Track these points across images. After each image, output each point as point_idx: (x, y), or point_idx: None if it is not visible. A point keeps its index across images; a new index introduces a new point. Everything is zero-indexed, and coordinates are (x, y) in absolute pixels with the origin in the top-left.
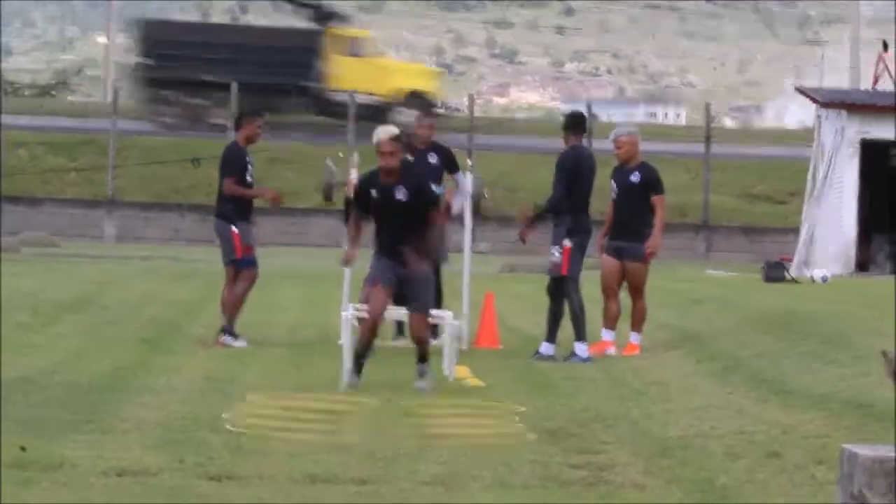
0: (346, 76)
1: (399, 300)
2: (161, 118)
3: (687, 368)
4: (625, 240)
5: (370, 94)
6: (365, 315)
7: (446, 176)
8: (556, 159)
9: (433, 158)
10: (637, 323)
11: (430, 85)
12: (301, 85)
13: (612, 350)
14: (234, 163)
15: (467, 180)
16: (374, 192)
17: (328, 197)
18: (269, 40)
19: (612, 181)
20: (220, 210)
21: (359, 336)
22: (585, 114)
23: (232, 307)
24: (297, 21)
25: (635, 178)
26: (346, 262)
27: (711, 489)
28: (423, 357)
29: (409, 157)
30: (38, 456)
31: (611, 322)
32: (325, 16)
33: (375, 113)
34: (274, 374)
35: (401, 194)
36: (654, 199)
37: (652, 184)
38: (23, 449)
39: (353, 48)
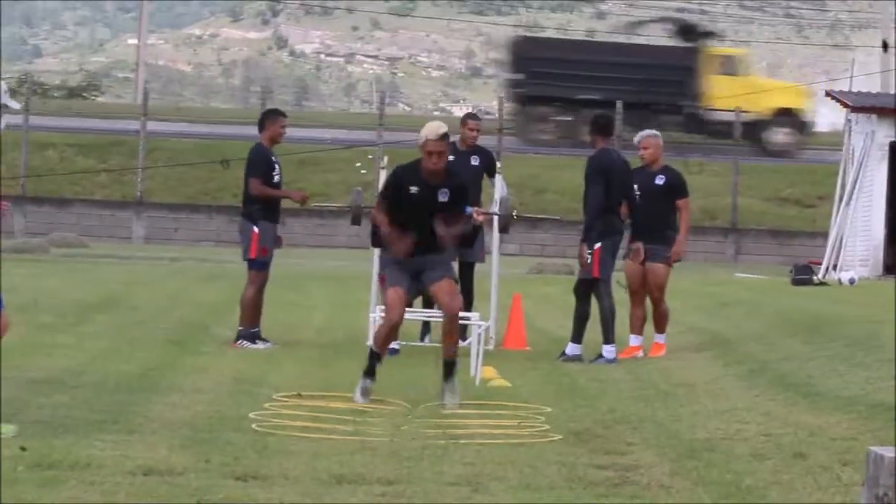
0: (721, 94)
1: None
2: (533, 134)
3: (714, 371)
4: (647, 242)
5: (742, 111)
6: (383, 318)
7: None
8: (584, 161)
9: (475, 161)
10: (660, 324)
11: (801, 103)
12: (678, 104)
13: (639, 354)
14: (259, 163)
15: (502, 183)
16: (413, 189)
17: (356, 221)
18: (648, 58)
19: (635, 184)
20: (245, 210)
21: (374, 339)
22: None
23: (247, 312)
24: (669, 40)
25: (660, 180)
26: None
27: (737, 491)
28: (450, 364)
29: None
30: (65, 455)
31: (637, 327)
32: (699, 34)
33: (748, 131)
34: (301, 374)
35: (444, 196)
36: (679, 202)
37: (676, 187)
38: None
39: (727, 66)
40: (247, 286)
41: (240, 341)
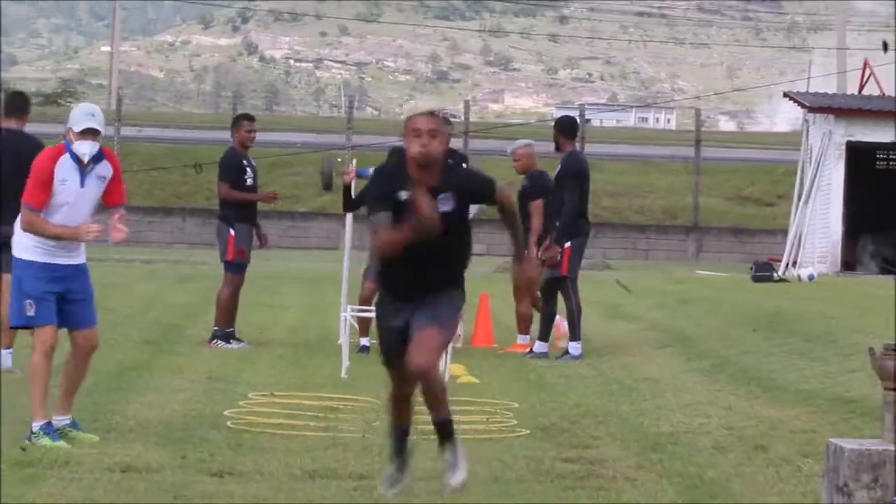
0: None
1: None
2: None
3: (677, 366)
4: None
5: None
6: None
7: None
8: (555, 164)
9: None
10: (520, 325)
11: None
12: None
13: (525, 352)
14: (228, 168)
15: None
16: (402, 196)
17: (327, 186)
18: None
19: None
20: (221, 213)
21: (389, 418)
22: (578, 119)
23: (222, 312)
24: None
25: (521, 186)
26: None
27: (700, 483)
28: (440, 425)
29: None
30: (45, 453)
31: (522, 325)
32: None
33: None
34: (275, 373)
35: (446, 204)
36: (531, 204)
37: (529, 190)
38: (23, 449)
39: None
40: (223, 287)
41: (214, 341)
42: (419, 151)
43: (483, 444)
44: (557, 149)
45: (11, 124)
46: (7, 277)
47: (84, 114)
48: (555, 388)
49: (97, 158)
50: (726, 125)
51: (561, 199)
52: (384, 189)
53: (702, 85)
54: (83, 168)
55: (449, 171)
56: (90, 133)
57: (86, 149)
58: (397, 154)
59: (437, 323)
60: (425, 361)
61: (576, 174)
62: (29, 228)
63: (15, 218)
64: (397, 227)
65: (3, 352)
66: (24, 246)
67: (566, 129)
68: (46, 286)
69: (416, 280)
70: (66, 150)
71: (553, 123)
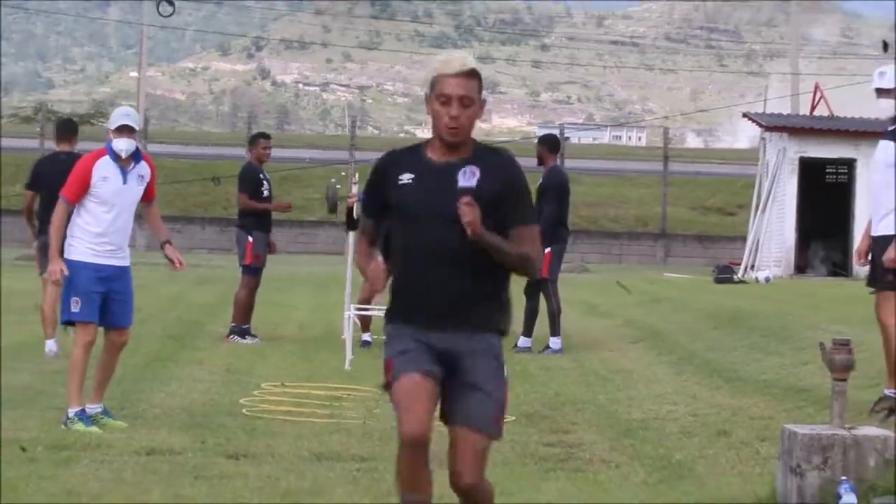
0: None
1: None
2: None
3: (648, 359)
4: None
5: None
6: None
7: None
8: (537, 178)
9: None
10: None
11: None
12: None
13: None
14: (246, 181)
15: None
16: (406, 179)
17: (332, 209)
18: None
19: None
20: (239, 222)
21: (397, 478)
22: (559, 136)
23: (239, 310)
24: None
25: None
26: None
27: (669, 464)
28: None
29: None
30: (78, 437)
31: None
32: None
33: None
34: (285, 365)
35: (468, 178)
36: None
37: None
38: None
39: None
40: (240, 288)
41: (231, 336)
42: (448, 127)
43: None
44: (540, 163)
45: (65, 147)
46: None
47: (120, 114)
48: (537, 379)
49: (136, 158)
50: (692, 142)
51: (541, 209)
52: (379, 179)
53: (669, 106)
54: (123, 166)
55: (484, 150)
56: (126, 130)
57: (122, 145)
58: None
59: (483, 421)
60: (471, 480)
61: (557, 187)
62: (54, 217)
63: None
64: (400, 227)
65: (48, 342)
66: (76, 249)
67: (551, 145)
68: (93, 286)
69: (438, 297)
70: (107, 150)
71: (537, 140)
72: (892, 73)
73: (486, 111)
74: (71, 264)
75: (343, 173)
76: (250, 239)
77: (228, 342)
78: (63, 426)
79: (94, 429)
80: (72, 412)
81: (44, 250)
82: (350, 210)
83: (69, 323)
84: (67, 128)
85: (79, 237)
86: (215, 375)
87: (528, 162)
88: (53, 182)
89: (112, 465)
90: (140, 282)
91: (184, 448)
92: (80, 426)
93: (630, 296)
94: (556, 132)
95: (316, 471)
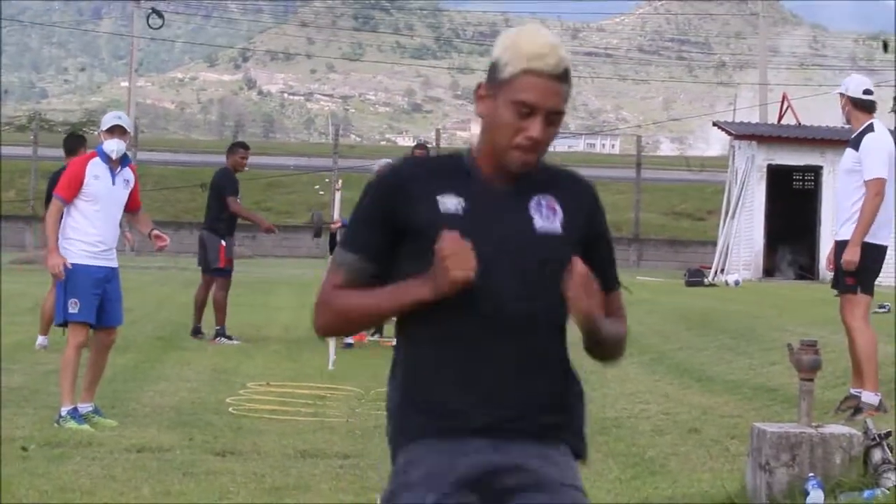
0: None
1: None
2: None
3: (621, 360)
4: None
5: None
6: None
7: None
8: None
9: None
10: None
11: None
12: None
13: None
14: (231, 184)
15: None
16: (452, 206)
17: (317, 234)
18: None
19: None
20: (211, 225)
21: None
22: None
23: (221, 313)
24: None
25: None
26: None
27: (641, 461)
28: None
29: None
30: (71, 435)
31: None
32: None
33: None
34: (270, 365)
35: (546, 217)
36: None
37: None
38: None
39: None
40: (217, 290)
41: (218, 338)
42: (521, 150)
43: None
44: None
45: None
46: None
47: (112, 116)
48: None
49: (124, 163)
50: (665, 150)
51: None
52: (388, 199)
53: (642, 115)
54: (113, 168)
55: (555, 173)
56: (117, 130)
57: (114, 146)
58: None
59: None
60: None
61: None
62: (49, 214)
63: None
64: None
65: (40, 337)
66: (72, 252)
67: None
68: (92, 288)
69: (504, 391)
70: (98, 152)
71: None
72: (855, 82)
73: (466, 121)
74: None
75: (327, 180)
76: (223, 243)
77: (215, 344)
78: (56, 424)
79: (85, 426)
80: (64, 411)
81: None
82: (333, 236)
83: (63, 324)
84: (75, 142)
85: (74, 239)
86: (202, 375)
87: None
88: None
89: (103, 461)
90: (131, 284)
91: (172, 445)
92: (72, 424)
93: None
94: None
95: (300, 467)
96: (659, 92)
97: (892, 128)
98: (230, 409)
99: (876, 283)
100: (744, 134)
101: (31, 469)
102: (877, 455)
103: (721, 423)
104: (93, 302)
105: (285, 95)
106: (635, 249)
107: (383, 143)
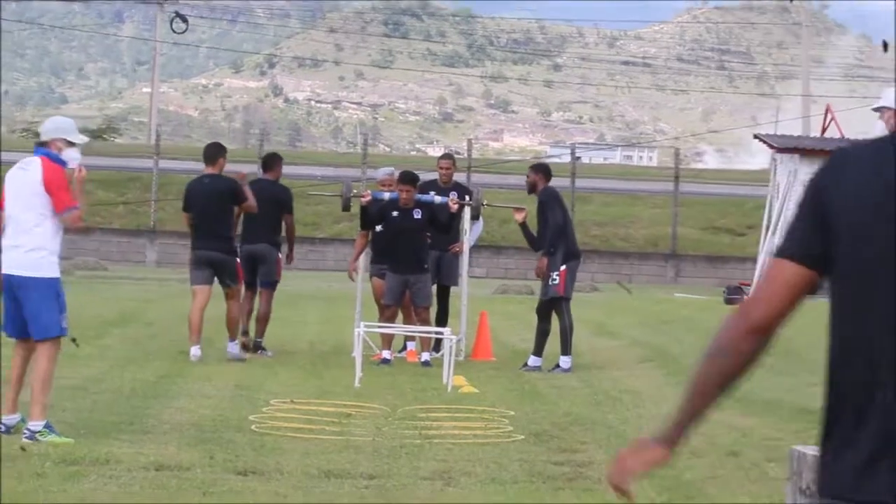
0: None
1: None
2: None
3: (657, 379)
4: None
5: None
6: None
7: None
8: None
9: (454, 195)
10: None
11: None
12: None
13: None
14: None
15: (478, 224)
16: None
17: (346, 207)
18: None
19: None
20: (273, 239)
21: None
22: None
23: (266, 324)
24: None
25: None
26: None
27: (678, 484)
28: None
29: (433, 193)
30: (87, 452)
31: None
32: None
33: None
34: (295, 382)
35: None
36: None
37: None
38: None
39: None
40: (267, 302)
41: (261, 351)
42: None
43: (482, 448)
44: (532, 191)
45: (211, 170)
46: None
47: (71, 126)
48: (547, 398)
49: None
50: (703, 163)
51: (546, 219)
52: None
53: (680, 126)
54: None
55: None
56: (75, 143)
57: (75, 154)
58: None
59: None
60: None
61: (555, 196)
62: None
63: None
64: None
65: (193, 348)
66: (51, 263)
67: (546, 172)
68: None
69: None
70: (56, 160)
71: (532, 168)
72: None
73: (499, 131)
74: (54, 282)
75: (355, 191)
76: (280, 255)
77: (261, 356)
78: (28, 440)
79: (69, 439)
80: (40, 425)
81: (196, 263)
82: (364, 209)
83: (46, 339)
84: (215, 152)
85: (52, 251)
86: (224, 391)
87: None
88: (197, 203)
89: (120, 480)
90: (150, 296)
91: (192, 464)
92: (53, 438)
93: (631, 295)
94: (566, 152)
95: (324, 488)
96: (698, 103)
97: None
98: (253, 427)
99: None
100: (786, 147)
101: (47, 487)
102: None
103: (761, 446)
104: (7, 310)
105: (312, 103)
106: (672, 265)
107: (413, 153)
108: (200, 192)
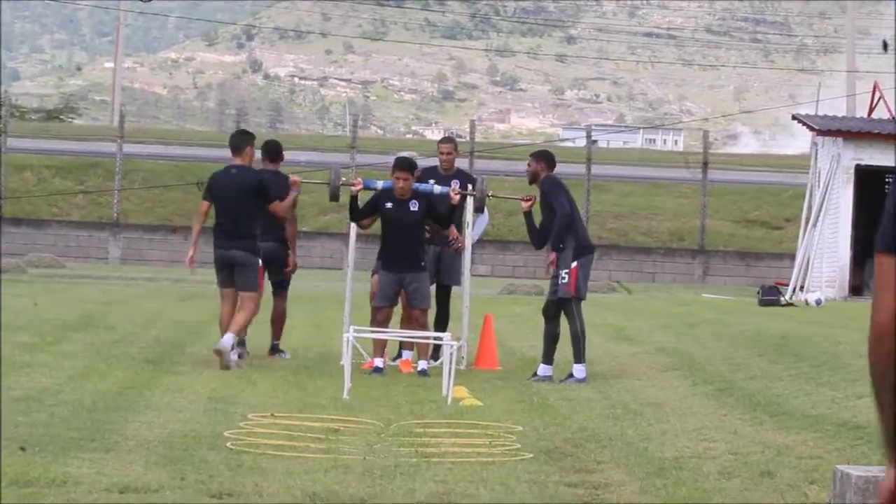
0: None
1: None
2: None
3: (683, 390)
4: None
5: None
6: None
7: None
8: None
9: (455, 184)
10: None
11: None
12: None
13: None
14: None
15: (483, 217)
16: None
17: (334, 196)
18: None
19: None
20: (280, 235)
21: None
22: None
23: (282, 326)
24: None
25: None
26: None
27: None
28: None
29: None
30: (43, 472)
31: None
32: None
33: None
34: (276, 393)
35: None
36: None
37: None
38: (23, 449)
39: None
40: (281, 302)
41: (277, 353)
42: None
43: (486, 468)
44: (533, 181)
45: (238, 160)
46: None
47: None
48: (559, 412)
49: None
50: (736, 147)
51: (552, 210)
52: None
53: (710, 107)
54: None
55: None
56: None
57: None
58: None
59: None
60: None
61: (558, 184)
62: None
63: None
64: None
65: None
66: None
67: (549, 161)
68: None
69: None
70: None
71: (533, 155)
72: None
73: (505, 111)
74: None
75: (343, 178)
76: (290, 254)
77: (275, 358)
78: None
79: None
80: None
81: (216, 263)
82: (354, 198)
83: None
84: (240, 140)
85: None
86: (197, 404)
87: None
88: (221, 197)
89: (80, 503)
90: (114, 297)
91: (161, 485)
92: None
93: (630, 295)
94: (581, 134)
95: None
96: (730, 79)
97: None
98: (228, 444)
99: None
100: (828, 129)
101: None
102: None
103: (799, 466)
104: None
105: (296, 80)
106: (700, 262)
107: (409, 136)
108: (226, 184)
